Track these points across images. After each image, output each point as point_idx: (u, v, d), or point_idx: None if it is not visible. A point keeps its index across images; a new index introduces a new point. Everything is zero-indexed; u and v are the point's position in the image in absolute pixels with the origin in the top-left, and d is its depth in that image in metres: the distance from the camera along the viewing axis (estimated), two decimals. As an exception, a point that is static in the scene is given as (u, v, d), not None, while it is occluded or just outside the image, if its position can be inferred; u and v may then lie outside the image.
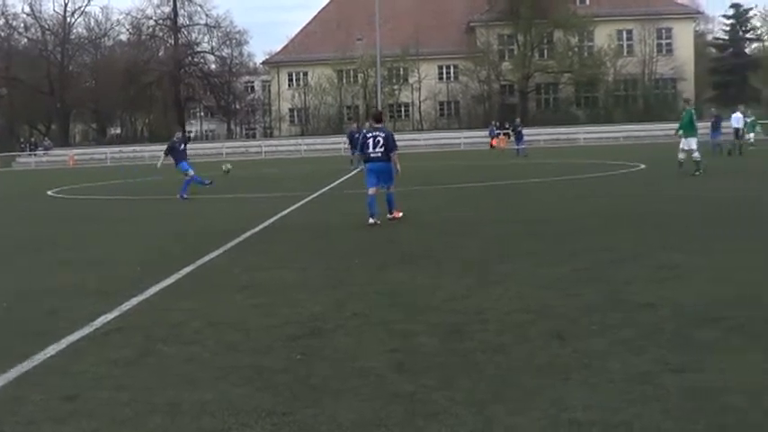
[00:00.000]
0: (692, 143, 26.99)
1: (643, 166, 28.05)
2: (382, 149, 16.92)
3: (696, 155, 26.78)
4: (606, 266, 10.78)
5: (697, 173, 26.09)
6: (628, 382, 5.96)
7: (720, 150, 39.31)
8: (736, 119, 41.68)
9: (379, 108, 62.14)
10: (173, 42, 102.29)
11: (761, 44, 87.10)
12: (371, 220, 16.55)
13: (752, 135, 44.35)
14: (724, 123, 41.95)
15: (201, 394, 6.09)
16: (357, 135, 40.53)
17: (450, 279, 10.34)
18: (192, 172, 26.75)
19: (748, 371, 6.12)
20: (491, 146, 64.91)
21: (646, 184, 25.04)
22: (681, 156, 27.16)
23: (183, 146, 27.25)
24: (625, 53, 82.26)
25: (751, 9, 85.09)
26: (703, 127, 41.03)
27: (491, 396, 5.78)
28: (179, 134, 28.34)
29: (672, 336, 7.19)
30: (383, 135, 17.04)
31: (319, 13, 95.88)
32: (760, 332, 7.17)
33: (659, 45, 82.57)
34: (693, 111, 27.75)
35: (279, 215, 19.23)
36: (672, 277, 9.83)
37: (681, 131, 27.46)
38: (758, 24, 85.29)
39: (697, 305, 8.25)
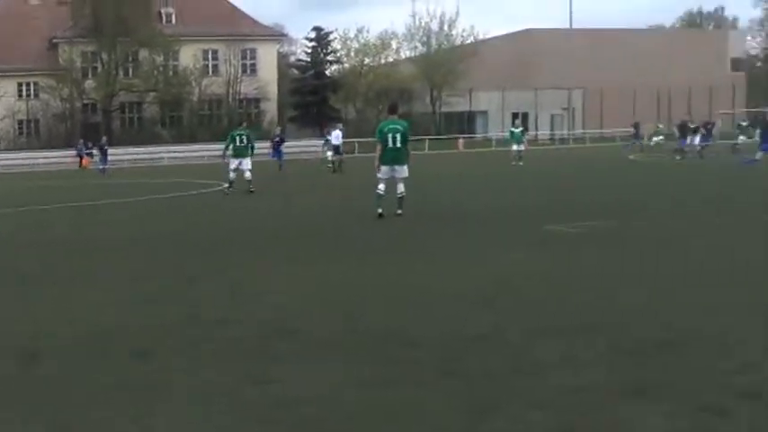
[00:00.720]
0: (233, 163, 28.08)
1: (226, 185, 28.48)
2: None
3: (232, 175, 27.84)
4: (185, 284, 10.88)
5: (229, 191, 27.33)
6: (210, 397, 6.03)
7: (280, 167, 40.66)
8: (336, 136, 43.30)
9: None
10: None
11: (340, 66, 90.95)
12: None
13: (330, 153, 45.93)
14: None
15: None
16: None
17: (24, 303, 9.98)
18: None
19: (325, 381, 6.38)
20: (80, 165, 63.29)
21: (226, 202, 25.40)
22: (233, 175, 28.04)
23: None
24: (210, 73, 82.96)
25: (332, 33, 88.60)
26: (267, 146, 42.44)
27: (75, 422, 5.66)
28: None
29: (252, 349, 7.37)
30: None
31: None
32: (335, 343, 7.52)
33: (244, 65, 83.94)
34: (241, 133, 28.50)
35: None
36: (249, 292, 10.09)
37: (230, 152, 28.45)
38: (338, 47, 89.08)
39: (275, 319, 8.52)
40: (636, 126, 58.30)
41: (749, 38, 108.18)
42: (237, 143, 28.37)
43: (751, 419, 5.35)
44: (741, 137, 48.21)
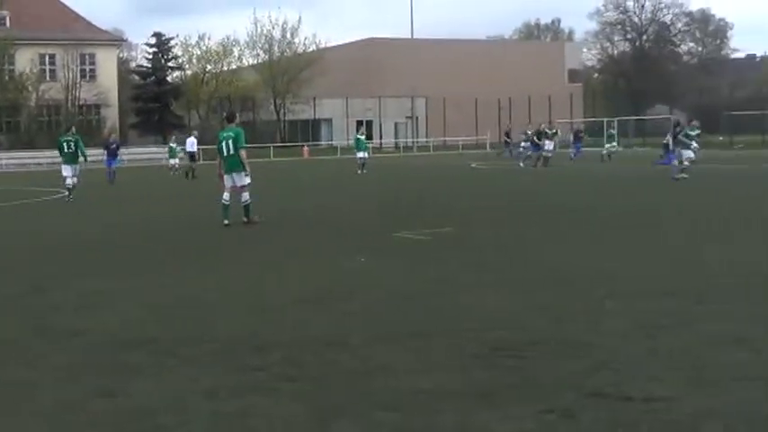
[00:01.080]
0: (65, 170, 27.85)
1: (66, 192, 27.80)
2: None
3: (69, 181, 27.44)
4: (30, 294, 10.60)
5: (69, 198, 27.03)
6: (58, 412, 5.90)
7: (114, 179, 39.89)
8: (191, 143, 42.90)
9: None
10: None
11: (182, 72, 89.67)
12: None
13: (176, 161, 45.06)
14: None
15: None
16: None
17: None
18: None
19: (176, 390, 6.34)
20: None
21: (66, 209, 24.81)
22: (70, 181, 27.57)
23: None
24: (48, 78, 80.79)
25: (173, 39, 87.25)
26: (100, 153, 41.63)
27: None
28: None
29: (102, 361, 7.24)
30: None
31: None
32: (185, 352, 7.46)
33: (83, 71, 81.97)
34: (69, 139, 28.03)
35: None
36: (98, 303, 9.88)
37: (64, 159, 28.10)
38: (179, 53, 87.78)
39: (125, 330, 8.39)
40: (508, 134, 58.47)
41: (585, 50, 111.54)
42: (66, 149, 27.94)
43: (595, 420, 5.50)
44: (608, 144, 49.16)
